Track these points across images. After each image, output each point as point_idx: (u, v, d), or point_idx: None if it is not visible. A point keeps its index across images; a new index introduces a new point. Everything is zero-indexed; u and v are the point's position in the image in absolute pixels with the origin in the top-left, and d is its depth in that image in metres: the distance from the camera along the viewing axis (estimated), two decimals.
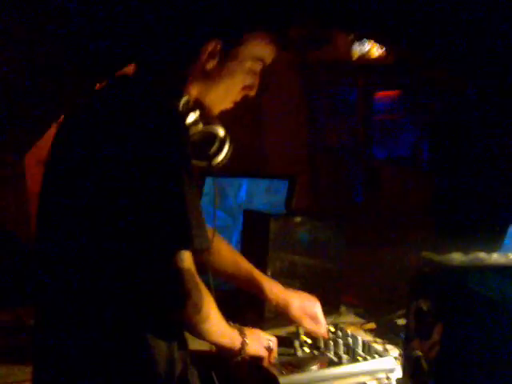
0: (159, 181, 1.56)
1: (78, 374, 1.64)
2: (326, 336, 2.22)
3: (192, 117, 1.77)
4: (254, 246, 2.60)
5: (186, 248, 1.58)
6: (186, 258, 1.58)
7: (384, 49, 3.82)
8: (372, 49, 3.95)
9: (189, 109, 1.76)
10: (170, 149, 1.58)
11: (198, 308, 1.63)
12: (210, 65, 1.79)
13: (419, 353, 1.89)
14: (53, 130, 3.33)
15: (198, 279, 1.63)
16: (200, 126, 1.81)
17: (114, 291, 1.61)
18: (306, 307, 2.23)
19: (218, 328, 1.78)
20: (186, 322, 1.66)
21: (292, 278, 2.59)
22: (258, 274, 2.22)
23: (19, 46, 3.22)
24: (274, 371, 2.03)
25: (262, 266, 2.47)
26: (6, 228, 3.18)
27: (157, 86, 1.76)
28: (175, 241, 1.57)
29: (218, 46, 1.77)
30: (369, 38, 3.85)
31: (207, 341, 1.80)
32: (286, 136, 4.28)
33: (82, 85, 3.15)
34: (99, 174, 1.60)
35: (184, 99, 1.75)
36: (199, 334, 1.72)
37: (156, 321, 1.66)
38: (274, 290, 2.22)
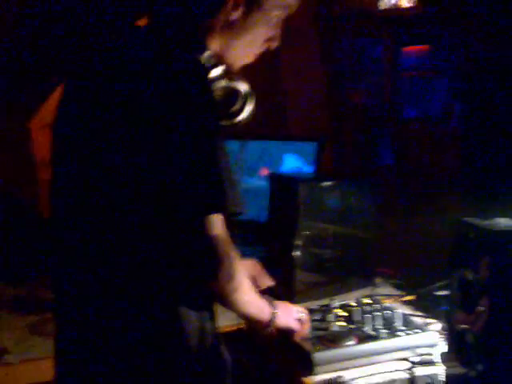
0: (187, 140, 1.53)
1: (106, 349, 1.65)
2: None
3: (215, 72, 1.74)
4: (282, 212, 2.57)
5: (219, 212, 1.57)
6: (219, 224, 1.57)
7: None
8: (400, 0, 3.89)
9: (212, 64, 1.73)
10: (197, 106, 1.56)
11: (230, 277, 1.62)
12: (234, 15, 1.75)
13: (464, 326, 1.88)
14: (57, 93, 3.32)
15: (231, 246, 1.62)
16: (222, 82, 1.79)
17: (142, 260, 1.60)
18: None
19: (249, 298, 1.78)
20: (217, 291, 1.65)
21: (322, 248, 2.57)
22: None
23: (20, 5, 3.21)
24: (307, 346, 2.02)
25: (291, 235, 2.46)
26: (13, 197, 3.18)
27: (176, 39, 1.71)
28: (207, 205, 1.55)
29: None
30: None
31: (237, 311, 1.79)
32: (308, 96, 4.24)
33: (87, 42, 3.12)
34: (121, 134, 1.57)
35: (207, 53, 1.72)
36: (230, 304, 1.72)
37: (186, 292, 1.65)
38: None
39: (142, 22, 1.79)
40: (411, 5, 3.81)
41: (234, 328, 2.03)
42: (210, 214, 1.56)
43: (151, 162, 1.54)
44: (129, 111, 1.57)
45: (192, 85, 1.58)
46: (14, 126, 3.27)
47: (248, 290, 1.76)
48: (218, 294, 1.67)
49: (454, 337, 1.93)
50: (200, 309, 1.70)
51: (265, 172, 3.10)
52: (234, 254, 1.64)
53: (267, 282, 2.18)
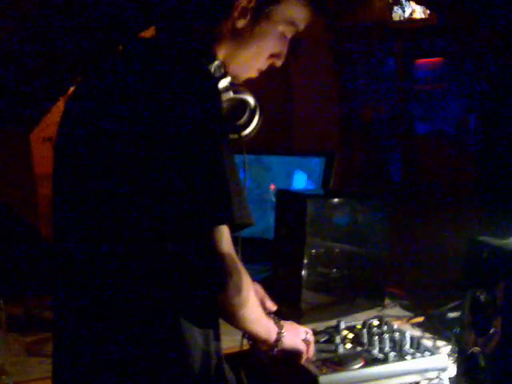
0: (194, 151, 1.53)
1: (107, 369, 1.64)
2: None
3: (223, 83, 1.75)
4: (289, 230, 2.57)
5: (226, 222, 1.56)
6: (226, 236, 1.56)
7: (428, 12, 3.78)
8: (413, 12, 3.91)
9: (221, 74, 1.74)
10: (206, 115, 1.56)
11: (237, 290, 1.60)
12: (241, 23, 1.75)
13: (476, 349, 1.87)
14: (60, 105, 3.34)
15: (238, 260, 1.61)
16: (230, 93, 1.79)
17: (147, 275, 1.59)
18: None
19: (256, 315, 1.75)
20: (223, 305, 1.63)
21: (330, 267, 2.57)
22: None
23: (23, 14, 3.23)
24: (313, 369, 2.01)
25: (298, 253, 2.46)
26: (12, 210, 3.19)
27: (185, 49, 1.72)
28: (214, 216, 1.54)
29: (252, 3, 1.74)
30: None
31: (243, 329, 1.78)
32: (317, 109, 4.25)
33: (93, 53, 3.14)
34: (128, 144, 1.57)
35: (216, 63, 1.73)
36: (236, 321, 1.69)
37: (192, 311, 1.64)
38: None
39: (148, 33, 1.79)
40: (425, 17, 3.83)
41: (238, 349, 2.02)
42: (217, 225, 1.55)
43: (157, 174, 1.53)
44: (136, 124, 1.57)
45: (201, 94, 1.58)
46: (14, 138, 3.29)
47: (255, 308, 1.74)
48: (224, 309, 1.65)
49: (464, 360, 1.92)
50: (205, 328, 1.68)
51: (272, 188, 3.10)
52: (241, 267, 1.62)
53: (270, 307, 2.16)
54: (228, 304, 1.62)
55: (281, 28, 1.81)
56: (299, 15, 1.83)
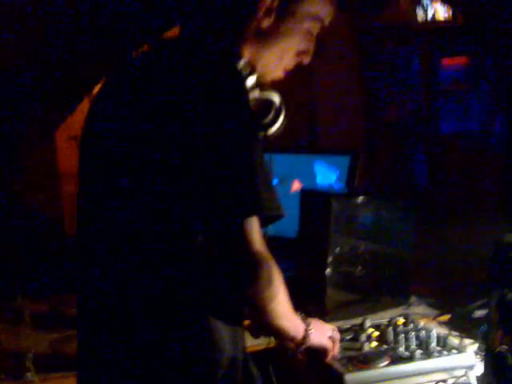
0: (224, 142, 1.54)
1: (130, 364, 1.64)
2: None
3: (250, 81, 1.75)
4: (313, 229, 2.57)
5: (255, 214, 1.56)
6: (255, 228, 1.56)
7: (451, 11, 3.77)
8: (437, 12, 3.90)
9: (247, 74, 1.74)
10: (236, 110, 1.57)
11: (268, 283, 1.59)
12: (266, 23, 1.76)
13: (503, 347, 1.86)
14: (84, 104, 3.36)
15: (268, 252, 1.60)
16: (256, 92, 1.79)
17: (176, 268, 1.59)
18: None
19: (285, 311, 1.74)
20: (254, 297, 1.61)
21: (355, 265, 2.57)
22: None
23: (46, 14, 3.25)
24: (339, 367, 2.01)
25: (322, 252, 2.46)
26: (37, 209, 3.21)
27: (211, 47, 1.73)
28: (243, 207, 1.54)
29: (276, 2, 1.74)
30: None
31: (272, 325, 1.73)
32: (342, 109, 4.25)
33: (117, 53, 3.16)
34: (156, 141, 1.58)
35: (241, 63, 1.73)
36: (266, 315, 1.67)
37: (220, 306, 1.65)
38: None
39: (171, 34, 1.80)
40: (447, 18, 3.83)
41: (265, 347, 2.02)
42: (247, 217, 1.55)
43: (186, 168, 1.54)
44: (163, 121, 1.58)
45: (230, 90, 1.60)
46: (39, 137, 3.31)
47: (285, 302, 1.72)
48: (254, 302, 1.63)
49: (491, 358, 1.92)
50: (233, 327, 1.69)
51: (296, 186, 3.10)
52: (272, 260, 1.61)
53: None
54: (258, 297, 1.61)
55: (306, 24, 1.81)
56: (324, 10, 1.83)
